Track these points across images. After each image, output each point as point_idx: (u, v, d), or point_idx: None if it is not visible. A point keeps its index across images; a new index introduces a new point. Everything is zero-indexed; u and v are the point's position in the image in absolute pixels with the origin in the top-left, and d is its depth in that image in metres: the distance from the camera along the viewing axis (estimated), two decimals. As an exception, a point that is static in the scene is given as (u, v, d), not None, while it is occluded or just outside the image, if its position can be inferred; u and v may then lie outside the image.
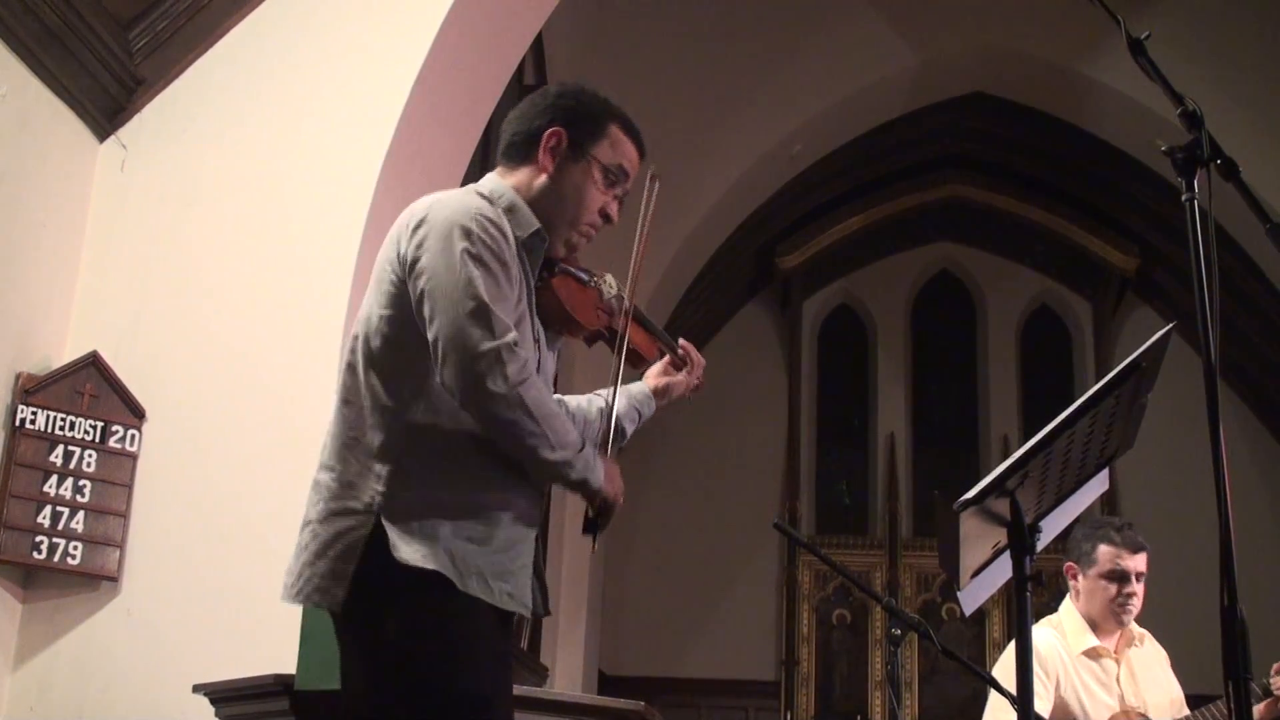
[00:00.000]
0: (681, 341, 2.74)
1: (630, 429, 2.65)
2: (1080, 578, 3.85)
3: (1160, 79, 1.97)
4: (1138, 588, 3.81)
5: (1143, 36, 1.99)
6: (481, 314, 2.15)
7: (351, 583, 2.17)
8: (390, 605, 2.17)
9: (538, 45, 7.20)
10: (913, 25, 8.96)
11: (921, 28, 8.98)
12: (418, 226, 2.25)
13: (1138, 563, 3.80)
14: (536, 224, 2.36)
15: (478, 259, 2.19)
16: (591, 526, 2.37)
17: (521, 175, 2.41)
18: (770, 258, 10.84)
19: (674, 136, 8.80)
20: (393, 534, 2.17)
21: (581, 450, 2.26)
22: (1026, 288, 11.48)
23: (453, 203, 2.28)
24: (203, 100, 4.83)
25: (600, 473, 2.30)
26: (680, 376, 2.69)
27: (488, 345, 2.14)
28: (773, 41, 8.85)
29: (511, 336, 2.16)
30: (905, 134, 9.98)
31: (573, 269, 2.46)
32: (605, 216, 2.45)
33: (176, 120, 4.81)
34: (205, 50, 4.85)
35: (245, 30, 4.87)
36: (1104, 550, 3.78)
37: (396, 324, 2.25)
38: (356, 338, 2.31)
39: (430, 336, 2.19)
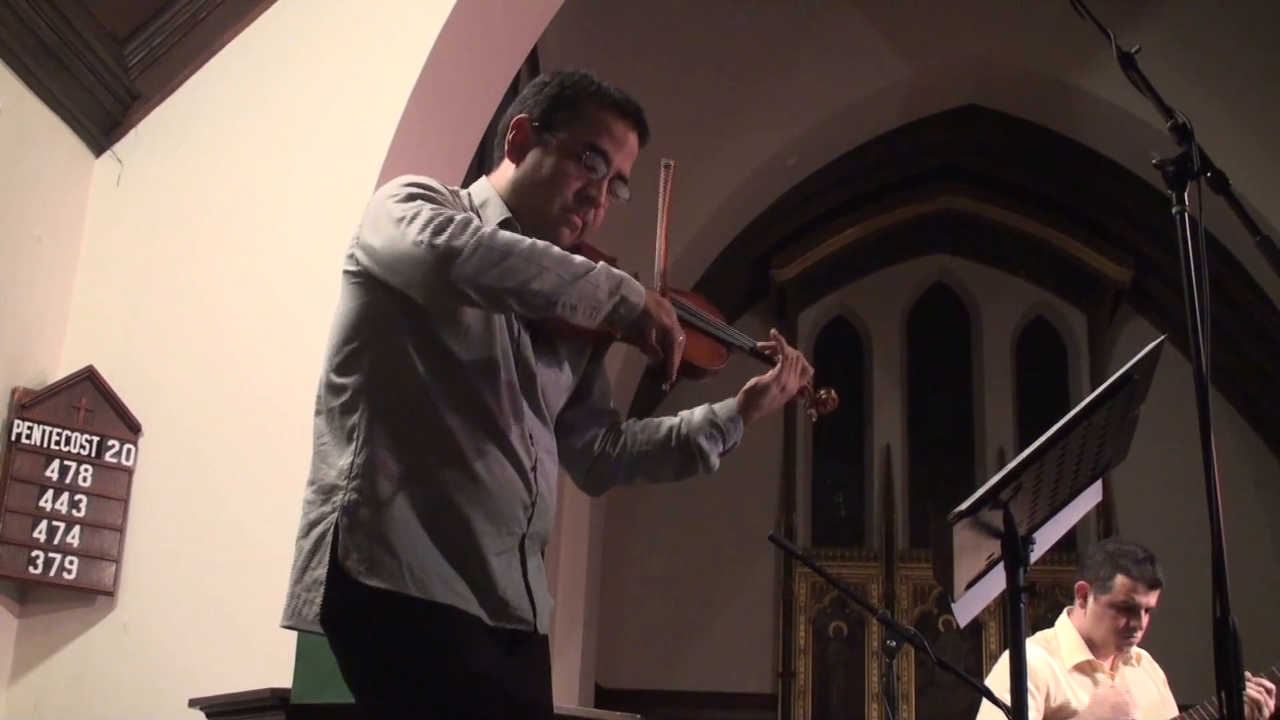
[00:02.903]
0: (772, 332, 2.46)
1: (710, 449, 2.39)
2: (1090, 599, 3.85)
3: (1150, 92, 1.98)
4: (1144, 621, 3.83)
5: (1133, 50, 2.00)
6: (418, 210, 2.02)
7: (324, 595, 2.04)
8: (351, 614, 2.06)
9: (531, 58, 7.21)
10: (908, 38, 8.98)
11: (916, 40, 9.00)
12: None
13: (1150, 599, 3.82)
14: (506, 213, 2.23)
15: (410, 196, 2.08)
16: (657, 371, 2.09)
17: (497, 173, 2.33)
18: (766, 269, 10.84)
19: (669, 149, 8.81)
20: (344, 540, 2.04)
21: (595, 266, 2.02)
22: (1021, 300, 11.47)
23: None
24: (199, 115, 4.83)
25: (639, 288, 2.05)
26: (768, 378, 2.41)
27: (430, 219, 1.99)
28: (768, 54, 8.86)
29: (459, 214, 2.01)
30: (900, 146, 9.99)
31: None
32: (588, 199, 2.25)
33: (172, 135, 4.82)
34: (201, 65, 4.86)
35: (241, 45, 4.88)
36: (1121, 581, 3.79)
37: (349, 318, 2.18)
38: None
39: (382, 274, 2.08)
